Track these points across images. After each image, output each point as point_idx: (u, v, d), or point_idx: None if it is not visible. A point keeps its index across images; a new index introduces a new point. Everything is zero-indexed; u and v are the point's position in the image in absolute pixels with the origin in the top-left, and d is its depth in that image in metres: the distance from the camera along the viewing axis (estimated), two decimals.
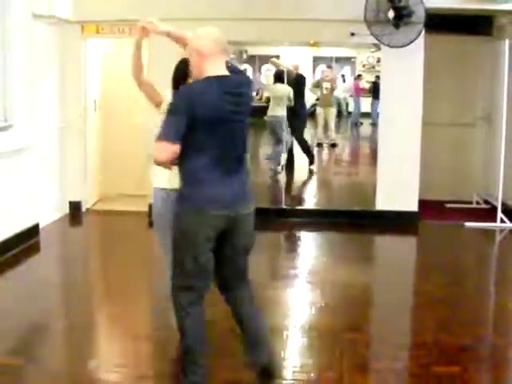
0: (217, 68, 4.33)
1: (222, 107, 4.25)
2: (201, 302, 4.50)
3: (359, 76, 20.64)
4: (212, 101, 4.22)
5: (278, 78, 11.79)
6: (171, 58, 5.35)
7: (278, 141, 12.13)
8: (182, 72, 5.17)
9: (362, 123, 21.72)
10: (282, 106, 11.44)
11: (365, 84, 20.95)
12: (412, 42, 9.01)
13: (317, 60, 19.22)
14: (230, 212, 4.33)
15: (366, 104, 21.46)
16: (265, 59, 15.59)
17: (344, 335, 5.64)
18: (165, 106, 4.92)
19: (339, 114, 18.54)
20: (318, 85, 14.57)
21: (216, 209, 4.29)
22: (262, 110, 12.26)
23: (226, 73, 4.37)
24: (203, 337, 4.50)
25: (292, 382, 4.84)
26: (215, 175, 4.30)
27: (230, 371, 4.97)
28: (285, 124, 11.32)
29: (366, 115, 22.05)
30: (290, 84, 11.62)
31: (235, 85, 4.38)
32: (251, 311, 4.69)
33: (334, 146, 17.29)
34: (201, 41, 4.36)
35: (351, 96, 21.11)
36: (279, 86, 11.71)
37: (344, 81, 19.27)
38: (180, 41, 5.04)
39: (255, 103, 14.19)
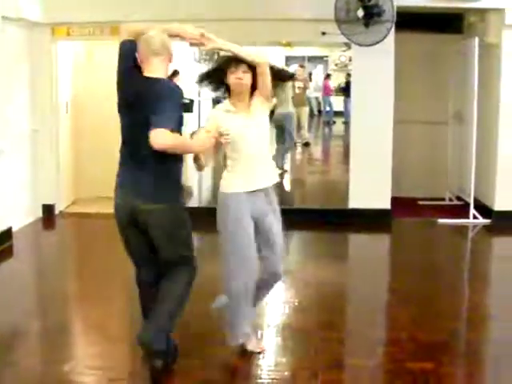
0: (149, 69, 4.72)
1: (130, 105, 4.72)
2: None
3: (328, 76, 20.69)
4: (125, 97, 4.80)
5: None
6: None
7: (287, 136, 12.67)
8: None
9: (334, 122, 21.80)
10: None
11: (334, 83, 21.02)
12: (382, 40, 9.02)
13: (290, 59, 19.24)
14: (122, 202, 4.96)
15: (338, 103, 21.53)
16: None
17: (318, 333, 5.66)
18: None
19: (311, 114, 18.62)
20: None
21: (115, 197, 5.04)
22: None
23: (157, 75, 4.71)
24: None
25: (267, 381, 4.85)
26: (121, 168, 4.98)
27: (202, 371, 5.00)
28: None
29: (338, 114, 22.13)
30: None
31: (146, 87, 4.68)
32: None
33: (307, 144, 17.35)
34: (139, 45, 4.76)
35: (324, 96, 21.16)
36: None
37: (311, 80, 19.34)
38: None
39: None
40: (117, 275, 7.67)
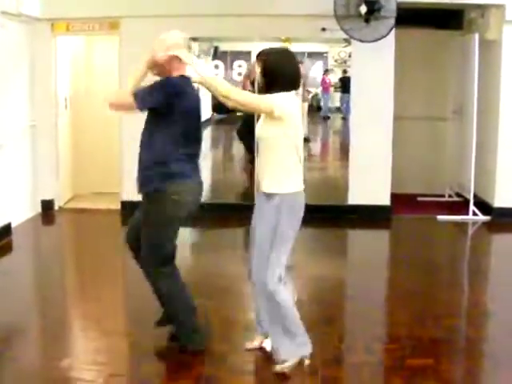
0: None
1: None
2: None
3: (326, 71, 20.81)
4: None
5: None
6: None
7: None
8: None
9: (329, 116, 21.83)
10: None
11: (332, 79, 21.08)
12: (383, 37, 8.99)
13: None
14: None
15: (336, 98, 21.53)
16: (236, 55, 15.59)
17: (318, 329, 5.64)
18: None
19: (309, 109, 18.68)
20: None
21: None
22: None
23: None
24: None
25: (266, 376, 4.85)
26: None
27: (202, 367, 5.01)
28: None
29: (338, 109, 22.06)
30: None
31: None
32: None
33: (306, 140, 17.36)
34: (177, 40, 4.81)
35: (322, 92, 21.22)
36: None
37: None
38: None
39: None
40: (116, 270, 7.67)
